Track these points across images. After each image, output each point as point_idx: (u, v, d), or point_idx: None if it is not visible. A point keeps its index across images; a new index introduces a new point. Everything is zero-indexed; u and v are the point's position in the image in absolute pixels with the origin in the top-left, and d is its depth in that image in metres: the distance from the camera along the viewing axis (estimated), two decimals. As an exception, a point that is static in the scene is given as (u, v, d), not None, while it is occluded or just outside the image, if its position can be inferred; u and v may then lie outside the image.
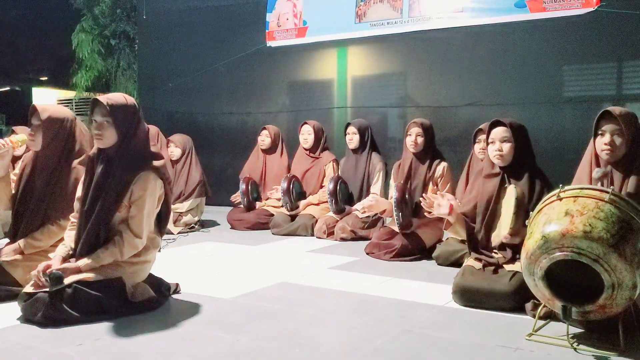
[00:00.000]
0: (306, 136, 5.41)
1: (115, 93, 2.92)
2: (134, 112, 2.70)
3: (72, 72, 9.24)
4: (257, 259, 4.15)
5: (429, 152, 4.25)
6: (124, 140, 2.67)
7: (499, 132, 2.97)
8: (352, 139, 4.98)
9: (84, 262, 2.60)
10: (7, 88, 12.44)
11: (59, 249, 2.75)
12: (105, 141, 2.66)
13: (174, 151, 5.49)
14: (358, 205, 4.83)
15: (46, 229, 2.95)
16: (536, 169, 3.00)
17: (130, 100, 2.75)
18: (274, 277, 3.50)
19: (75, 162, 3.01)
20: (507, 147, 2.95)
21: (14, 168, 3.23)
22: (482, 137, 3.81)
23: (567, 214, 2.20)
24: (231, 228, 5.44)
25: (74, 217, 2.82)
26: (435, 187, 4.17)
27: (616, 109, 2.58)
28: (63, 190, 2.97)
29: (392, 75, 6.45)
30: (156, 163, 2.71)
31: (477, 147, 3.89)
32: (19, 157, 3.07)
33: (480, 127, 3.86)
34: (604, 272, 2.12)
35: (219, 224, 5.70)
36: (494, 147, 2.97)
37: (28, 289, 2.58)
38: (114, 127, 2.64)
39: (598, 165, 2.62)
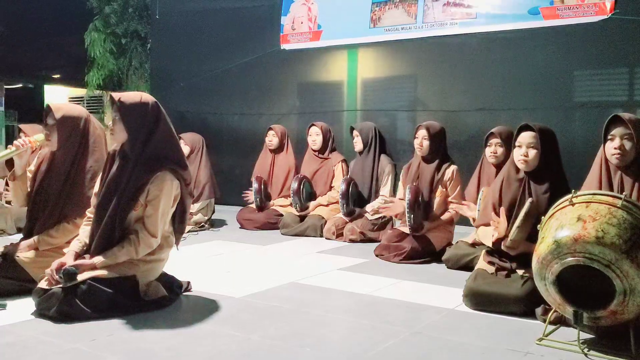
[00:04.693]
0: (314, 137, 5.44)
1: (134, 92, 2.93)
2: (146, 111, 2.69)
3: (85, 71, 9.34)
4: (266, 259, 4.17)
5: (437, 155, 4.24)
6: (137, 138, 2.67)
7: (526, 137, 2.93)
8: (356, 141, 5.03)
9: (99, 259, 2.62)
10: (20, 85, 12.50)
11: (73, 244, 2.77)
12: (116, 137, 2.70)
13: (183, 148, 5.51)
14: (369, 207, 4.86)
15: (62, 226, 2.97)
16: (560, 176, 2.94)
17: (146, 99, 2.74)
18: (283, 277, 3.51)
19: (91, 160, 3.02)
20: (532, 153, 2.91)
21: (29, 164, 3.26)
22: (494, 140, 3.80)
23: (580, 219, 2.20)
24: (240, 227, 5.47)
25: (90, 212, 2.84)
26: (445, 189, 4.17)
27: (625, 114, 2.59)
28: (79, 189, 2.98)
29: (403, 79, 6.44)
30: (175, 166, 2.72)
31: (488, 151, 3.85)
32: (33, 151, 3.08)
33: (492, 130, 3.83)
34: (615, 278, 2.12)
35: (228, 224, 5.73)
36: (520, 152, 2.93)
37: (42, 284, 2.61)
38: (122, 124, 2.67)
39: (608, 170, 2.62)
